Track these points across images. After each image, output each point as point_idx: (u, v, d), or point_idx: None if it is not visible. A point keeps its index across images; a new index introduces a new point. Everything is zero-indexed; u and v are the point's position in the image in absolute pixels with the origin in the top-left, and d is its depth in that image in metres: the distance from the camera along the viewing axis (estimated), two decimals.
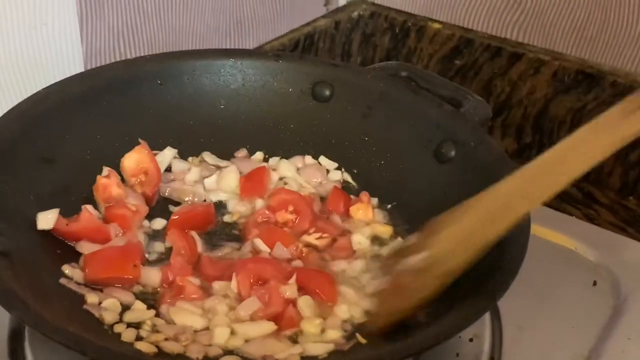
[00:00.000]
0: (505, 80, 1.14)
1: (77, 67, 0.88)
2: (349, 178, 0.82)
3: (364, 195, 0.78)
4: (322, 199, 0.80)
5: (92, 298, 0.64)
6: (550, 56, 1.11)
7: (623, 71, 1.07)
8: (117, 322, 0.63)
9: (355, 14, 1.25)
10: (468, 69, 1.17)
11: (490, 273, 0.60)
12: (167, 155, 0.80)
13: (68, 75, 0.78)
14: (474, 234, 0.59)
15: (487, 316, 0.71)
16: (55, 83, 0.76)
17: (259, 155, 0.83)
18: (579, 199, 1.09)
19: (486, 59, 1.15)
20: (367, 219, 0.77)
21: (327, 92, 0.83)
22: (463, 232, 0.59)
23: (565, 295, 0.77)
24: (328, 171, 0.82)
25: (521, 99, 1.14)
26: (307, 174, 0.81)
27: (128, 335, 0.62)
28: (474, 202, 0.59)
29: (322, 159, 0.82)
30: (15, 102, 0.73)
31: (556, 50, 1.12)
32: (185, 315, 0.64)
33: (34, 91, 0.74)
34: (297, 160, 0.82)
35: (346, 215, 0.77)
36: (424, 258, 0.60)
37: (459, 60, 1.18)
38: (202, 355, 0.60)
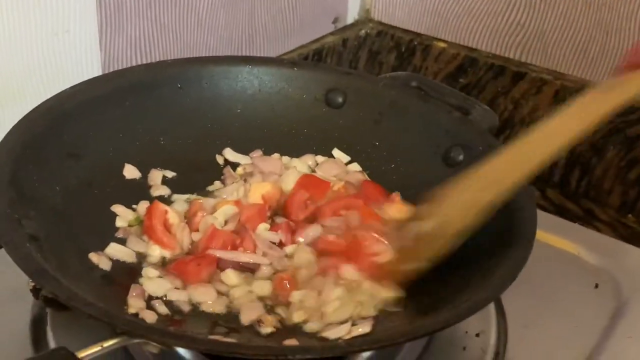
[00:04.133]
0: (509, 99, 1.17)
1: (95, 73, 0.91)
2: (365, 177, 0.84)
3: (396, 195, 0.79)
4: None
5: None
6: (552, 76, 1.13)
7: None
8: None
9: (363, 32, 1.28)
10: (472, 87, 1.20)
11: (499, 264, 0.62)
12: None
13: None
14: (474, 201, 0.65)
15: (493, 314, 0.74)
16: (82, 82, 0.78)
17: (275, 155, 0.85)
18: (580, 216, 1.12)
19: (490, 77, 1.18)
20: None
21: (340, 99, 0.85)
22: (465, 200, 0.66)
23: (568, 297, 0.79)
24: (346, 164, 0.85)
25: (524, 117, 1.16)
26: (324, 169, 0.83)
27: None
28: (474, 173, 0.66)
29: (336, 151, 0.85)
30: (36, 105, 0.75)
31: (558, 71, 1.14)
32: None
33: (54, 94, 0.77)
34: (308, 159, 0.85)
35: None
36: (431, 224, 0.66)
37: (464, 79, 1.21)
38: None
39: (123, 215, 0.76)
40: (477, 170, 0.66)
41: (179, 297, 0.68)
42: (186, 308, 0.67)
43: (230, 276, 0.70)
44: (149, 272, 0.70)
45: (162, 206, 0.75)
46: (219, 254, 0.71)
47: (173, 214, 0.75)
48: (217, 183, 0.82)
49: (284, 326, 0.66)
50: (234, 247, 0.72)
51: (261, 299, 0.68)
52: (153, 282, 0.68)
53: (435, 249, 0.66)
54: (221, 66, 0.85)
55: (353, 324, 0.64)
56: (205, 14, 1.03)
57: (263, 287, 0.69)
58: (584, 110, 0.63)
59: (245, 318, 0.66)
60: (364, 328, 0.63)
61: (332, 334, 0.63)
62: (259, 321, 0.65)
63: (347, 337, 0.63)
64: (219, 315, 0.67)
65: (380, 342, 0.57)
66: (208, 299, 0.68)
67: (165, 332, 0.57)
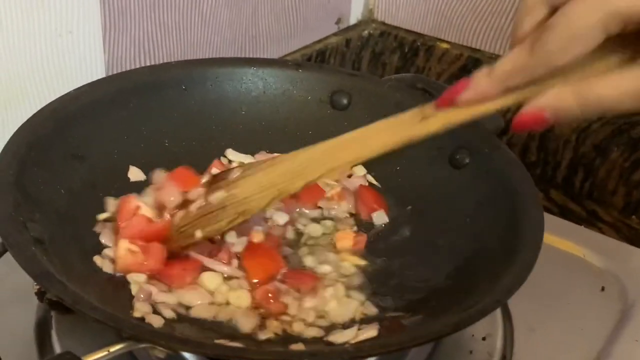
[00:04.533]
0: None
1: (99, 74, 0.91)
2: (372, 179, 0.84)
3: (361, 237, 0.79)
4: None
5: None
6: None
7: None
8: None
9: (366, 32, 1.28)
10: None
11: (506, 268, 0.62)
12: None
13: (90, 82, 0.80)
14: (272, 186, 0.68)
15: (499, 317, 0.74)
16: (86, 84, 0.78)
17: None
18: (583, 217, 1.12)
19: None
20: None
21: (345, 101, 0.85)
22: (264, 183, 0.68)
23: (575, 300, 0.79)
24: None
25: None
26: None
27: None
28: (279, 160, 0.69)
29: None
30: (39, 106, 0.75)
31: None
32: None
33: (57, 96, 0.76)
34: None
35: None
36: (227, 196, 0.69)
37: None
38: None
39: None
40: (283, 159, 0.69)
41: (167, 299, 0.67)
42: (170, 314, 0.65)
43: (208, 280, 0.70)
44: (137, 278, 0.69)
45: (134, 201, 0.73)
46: (205, 261, 0.71)
47: (146, 209, 0.73)
48: None
49: (285, 332, 0.66)
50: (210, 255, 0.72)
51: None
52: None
53: (222, 222, 0.69)
54: (226, 68, 0.85)
55: (359, 328, 0.64)
56: (209, 13, 1.03)
57: (241, 298, 0.68)
58: (395, 130, 0.65)
59: (245, 327, 0.65)
60: (370, 332, 0.63)
61: (337, 338, 0.63)
62: (261, 325, 0.65)
63: (354, 341, 0.62)
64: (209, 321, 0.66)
65: (389, 346, 0.57)
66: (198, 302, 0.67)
67: (171, 337, 0.57)
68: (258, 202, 0.68)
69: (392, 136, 0.65)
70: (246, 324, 0.65)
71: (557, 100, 0.56)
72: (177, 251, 0.70)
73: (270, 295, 0.68)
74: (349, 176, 0.84)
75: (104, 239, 0.71)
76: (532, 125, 0.57)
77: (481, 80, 0.60)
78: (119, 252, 0.68)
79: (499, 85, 0.59)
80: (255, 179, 0.69)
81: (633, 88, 0.54)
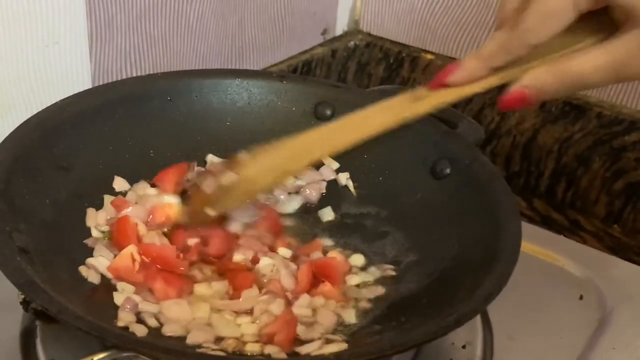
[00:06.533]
0: (495, 110, 1.18)
1: (85, 85, 0.92)
2: (350, 186, 0.85)
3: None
4: None
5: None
6: None
7: (608, 103, 1.11)
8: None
9: (352, 43, 1.30)
10: None
11: (484, 278, 0.63)
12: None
13: (76, 92, 0.81)
14: (277, 166, 0.73)
15: (479, 325, 0.75)
16: (72, 95, 0.79)
17: None
18: (566, 226, 1.13)
19: None
20: None
21: (329, 112, 0.86)
22: (269, 164, 0.73)
23: (553, 308, 0.80)
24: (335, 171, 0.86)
25: (510, 128, 1.18)
26: (305, 177, 0.85)
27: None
28: (282, 144, 0.73)
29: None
30: (26, 116, 0.75)
31: None
32: None
33: (43, 106, 0.77)
34: None
35: None
36: (234, 178, 0.73)
37: None
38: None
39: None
40: (285, 142, 0.73)
41: (151, 309, 0.67)
42: (154, 323, 0.66)
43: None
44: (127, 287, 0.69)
45: (132, 219, 0.75)
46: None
47: (142, 225, 0.75)
48: None
49: None
50: None
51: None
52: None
53: (231, 201, 0.74)
54: (211, 79, 0.86)
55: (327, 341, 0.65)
56: (195, 24, 1.03)
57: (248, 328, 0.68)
58: (390, 111, 0.71)
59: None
60: (337, 345, 0.64)
61: (302, 349, 0.64)
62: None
63: (316, 353, 0.63)
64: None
65: (369, 354, 0.58)
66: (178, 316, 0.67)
67: (154, 346, 0.58)
68: (264, 181, 0.74)
69: (388, 116, 0.71)
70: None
71: (537, 79, 0.61)
72: (192, 226, 0.75)
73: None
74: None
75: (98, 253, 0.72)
76: (516, 104, 0.62)
77: (469, 62, 0.65)
78: (122, 253, 0.71)
79: (485, 65, 0.64)
80: (262, 161, 0.73)
81: (605, 62, 0.59)
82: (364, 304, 0.72)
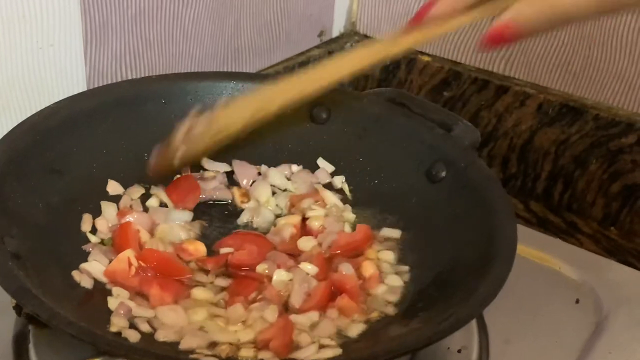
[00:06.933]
0: (492, 112, 1.18)
1: (80, 87, 0.91)
2: (346, 189, 0.85)
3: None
4: None
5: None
6: (535, 90, 1.14)
7: (605, 105, 1.11)
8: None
9: (348, 45, 1.29)
10: (456, 100, 1.20)
11: (479, 282, 0.63)
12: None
13: (71, 94, 0.81)
14: (252, 106, 0.75)
15: (474, 329, 0.74)
16: (66, 98, 0.79)
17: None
18: (563, 229, 1.12)
19: (474, 91, 1.19)
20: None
21: (324, 115, 0.86)
22: (243, 104, 0.76)
23: (550, 312, 0.80)
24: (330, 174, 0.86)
25: (507, 130, 1.17)
26: (299, 179, 0.85)
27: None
28: (261, 89, 0.77)
29: (320, 161, 0.86)
30: (19, 119, 0.75)
31: (541, 84, 1.15)
32: None
33: (37, 109, 0.77)
34: (284, 168, 0.86)
35: None
36: (211, 121, 0.76)
37: (448, 92, 1.21)
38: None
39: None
40: (264, 87, 0.76)
41: (145, 314, 0.67)
42: (147, 329, 0.65)
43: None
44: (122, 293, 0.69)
45: (134, 226, 0.75)
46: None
47: (144, 232, 0.75)
48: None
49: None
50: None
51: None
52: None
53: (206, 138, 0.76)
54: (206, 82, 0.86)
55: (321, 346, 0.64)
56: (191, 26, 1.03)
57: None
58: (375, 48, 0.71)
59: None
60: (332, 350, 0.64)
61: (297, 355, 0.63)
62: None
63: (312, 357, 0.63)
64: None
65: (368, 358, 0.58)
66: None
67: (146, 352, 0.57)
68: (238, 119, 0.75)
69: (371, 53, 0.71)
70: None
71: (518, 14, 0.61)
72: (168, 169, 0.78)
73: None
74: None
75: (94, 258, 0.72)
76: (499, 40, 0.62)
77: None
78: (119, 256, 0.70)
79: None
80: (236, 104, 0.76)
81: None
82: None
